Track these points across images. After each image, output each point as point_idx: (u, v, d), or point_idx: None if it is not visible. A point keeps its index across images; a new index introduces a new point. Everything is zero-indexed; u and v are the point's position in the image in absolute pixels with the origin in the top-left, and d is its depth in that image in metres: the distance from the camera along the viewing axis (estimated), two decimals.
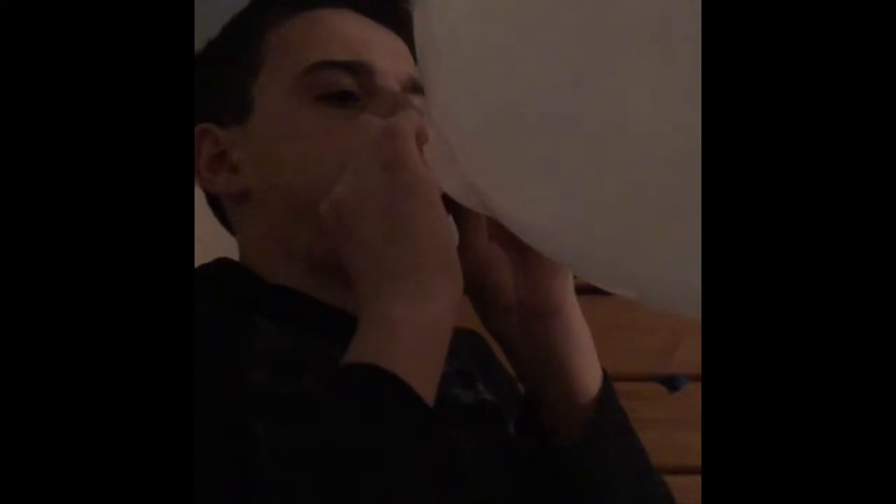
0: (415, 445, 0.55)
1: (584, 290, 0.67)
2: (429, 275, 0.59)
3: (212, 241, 0.76)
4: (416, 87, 0.74)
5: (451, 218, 0.63)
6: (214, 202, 0.78)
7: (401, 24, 0.77)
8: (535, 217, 0.58)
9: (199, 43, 0.77)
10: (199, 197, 0.77)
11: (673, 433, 1.46)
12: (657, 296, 0.57)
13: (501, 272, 0.66)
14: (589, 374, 0.67)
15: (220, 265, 0.73)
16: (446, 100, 0.59)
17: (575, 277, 0.68)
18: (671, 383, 1.57)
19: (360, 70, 0.72)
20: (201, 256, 0.70)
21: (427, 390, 0.57)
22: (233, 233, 0.77)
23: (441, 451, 0.57)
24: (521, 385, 0.71)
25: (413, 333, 0.57)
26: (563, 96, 0.50)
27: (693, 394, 1.55)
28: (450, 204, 0.62)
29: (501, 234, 0.64)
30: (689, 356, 1.56)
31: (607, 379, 0.68)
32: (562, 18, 0.49)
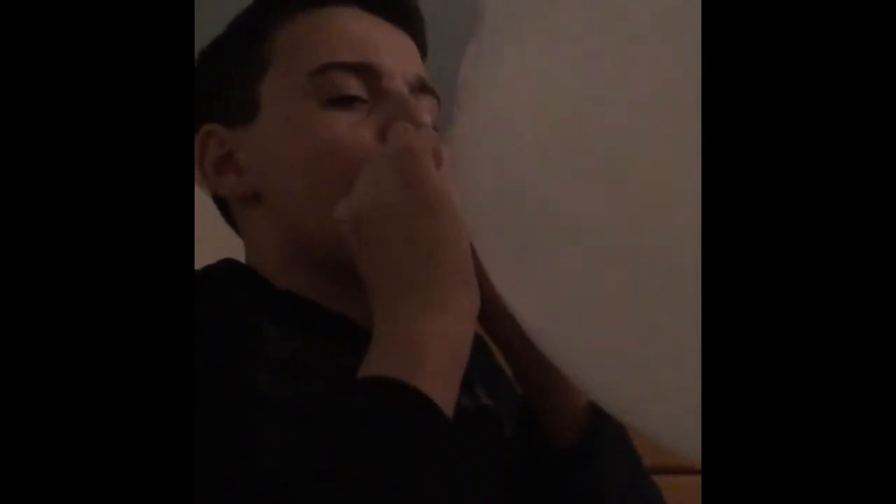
0: (436, 464, 0.55)
1: None
2: (451, 290, 0.59)
3: (212, 241, 0.76)
4: (423, 87, 0.74)
5: None
6: (222, 203, 0.77)
7: (409, 22, 0.76)
8: (525, 311, 0.59)
9: (200, 43, 0.77)
10: (200, 197, 0.76)
11: None
12: (638, 419, 0.58)
13: None
14: None
15: (226, 266, 0.73)
16: (471, 169, 0.60)
17: None
18: None
19: (366, 71, 0.71)
20: (204, 257, 0.70)
21: (448, 405, 0.57)
22: (239, 234, 0.77)
23: (459, 468, 0.57)
24: (519, 387, 0.71)
25: (438, 348, 0.58)
26: (583, 211, 0.51)
27: None
28: None
29: None
30: None
31: None
32: (602, 143, 0.50)
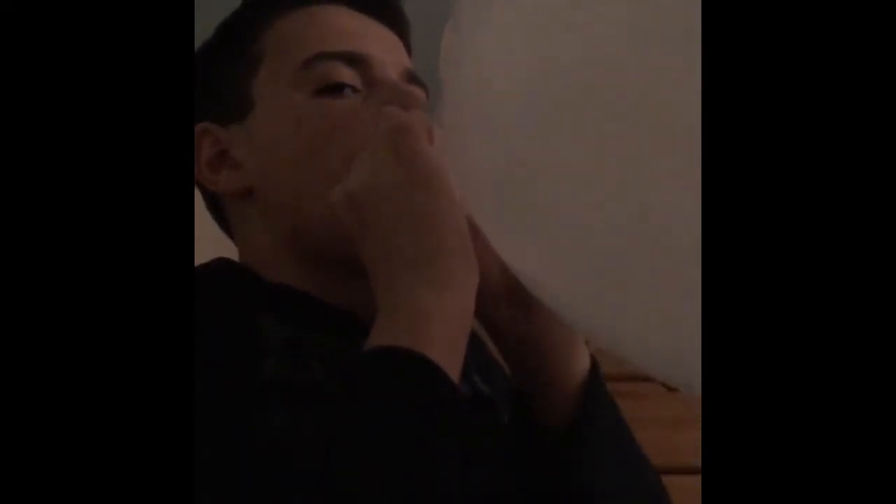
0: (449, 428, 0.55)
1: None
2: (451, 263, 0.60)
3: (212, 241, 0.76)
4: (412, 79, 0.74)
5: None
6: (213, 204, 0.78)
7: (394, 21, 0.77)
8: (527, 265, 0.60)
9: (198, 43, 0.77)
10: (199, 197, 0.77)
11: (673, 433, 1.46)
12: (643, 361, 0.58)
13: (488, 259, 0.66)
14: (575, 362, 0.68)
15: (221, 264, 0.73)
16: (462, 139, 0.60)
17: None
18: None
19: (358, 61, 0.72)
20: (204, 256, 0.70)
21: (454, 374, 0.57)
22: (230, 235, 0.77)
23: (470, 436, 0.57)
24: (510, 373, 0.72)
25: (441, 320, 0.58)
26: (577, 164, 0.52)
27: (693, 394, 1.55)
28: None
29: None
30: None
31: (596, 367, 0.69)
32: (592, 95, 0.51)
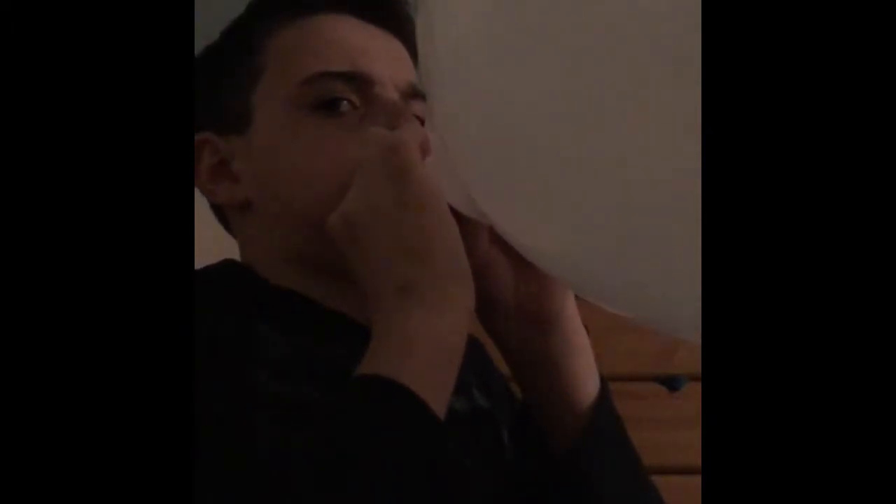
0: (423, 461, 0.55)
1: None
2: (443, 285, 0.59)
3: (212, 243, 0.76)
4: (415, 94, 0.74)
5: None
6: (218, 208, 0.78)
7: (401, 28, 0.76)
8: (532, 236, 0.59)
9: (198, 48, 0.77)
10: (200, 200, 0.76)
11: (673, 433, 1.46)
12: (652, 317, 0.58)
13: (501, 277, 0.66)
14: (585, 380, 0.67)
15: (225, 267, 0.73)
16: (448, 117, 0.60)
17: None
18: (671, 383, 1.58)
19: (358, 80, 0.71)
20: (205, 257, 0.70)
21: (440, 402, 0.57)
22: (234, 236, 0.77)
23: (449, 467, 0.57)
24: (518, 389, 0.72)
25: (429, 345, 0.58)
26: (565, 122, 0.51)
27: (693, 394, 1.56)
28: (451, 207, 0.62)
29: (502, 239, 0.64)
30: (689, 356, 1.56)
31: (605, 385, 0.68)
32: (567, 46, 0.49)
